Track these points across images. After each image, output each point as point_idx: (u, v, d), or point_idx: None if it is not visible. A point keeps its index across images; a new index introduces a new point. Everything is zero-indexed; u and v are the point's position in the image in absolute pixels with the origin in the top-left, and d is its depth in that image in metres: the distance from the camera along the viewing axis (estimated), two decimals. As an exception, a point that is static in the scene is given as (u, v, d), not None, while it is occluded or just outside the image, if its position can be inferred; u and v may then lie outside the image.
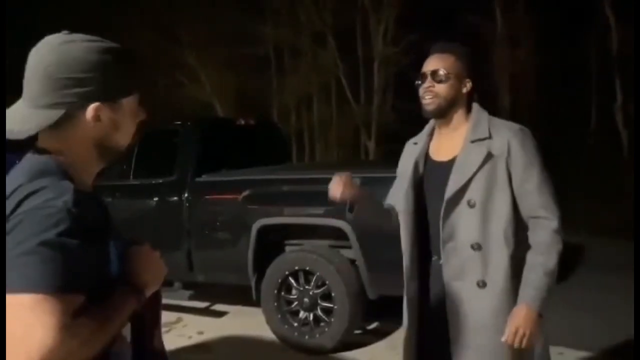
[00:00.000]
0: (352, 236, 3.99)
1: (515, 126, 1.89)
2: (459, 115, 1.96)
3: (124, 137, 1.16)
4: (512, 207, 1.84)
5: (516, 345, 1.77)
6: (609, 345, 3.88)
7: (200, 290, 5.85)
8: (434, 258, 1.95)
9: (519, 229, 1.86)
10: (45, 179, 1.00)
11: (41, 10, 16.88)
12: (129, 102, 1.14)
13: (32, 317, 0.86)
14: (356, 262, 4.09)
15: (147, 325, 1.16)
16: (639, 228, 4.85)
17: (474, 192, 1.84)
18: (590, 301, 4.83)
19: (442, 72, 1.91)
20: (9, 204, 0.95)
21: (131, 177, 5.13)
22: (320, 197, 4.23)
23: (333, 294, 4.09)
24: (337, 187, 1.95)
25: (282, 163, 5.93)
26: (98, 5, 17.85)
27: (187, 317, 5.15)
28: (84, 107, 1.07)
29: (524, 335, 1.76)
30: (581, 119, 16.56)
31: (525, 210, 1.85)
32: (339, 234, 4.11)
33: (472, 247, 1.84)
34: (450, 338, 1.88)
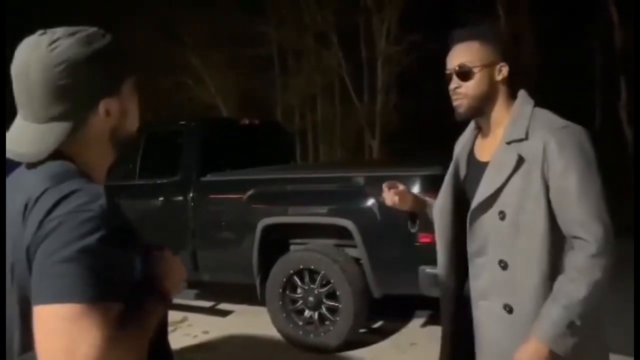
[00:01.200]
0: (356, 235, 3.99)
1: (559, 123, 1.59)
2: (498, 109, 1.67)
3: (133, 122, 1.12)
4: (548, 222, 1.54)
5: None
6: (609, 344, 3.87)
7: (205, 290, 5.87)
8: None
9: (558, 248, 1.57)
10: (72, 181, 0.94)
11: (41, 11, 16.94)
12: (127, 86, 1.08)
13: (76, 330, 0.80)
14: (361, 261, 4.09)
15: (162, 326, 1.16)
16: (639, 228, 4.83)
17: (506, 203, 1.58)
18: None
19: (466, 66, 1.62)
20: (39, 208, 0.89)
21: (136, 177, 5.16)
22: (324, 196, 4.30)
23: (338, 293, 4.10)
24: (390, 197, 1.86)
25: (286, 163, 5.96)
26: (99, 6, 17.91)
27: (192, 316, 5.18)
28: (94, 107, 1.03)
29: None
30: (585, 118, 16.50)
31: (563, 228, 1.55)
32: (343, 233, 4.12)
33: (500, 264, 1.61)
34: None
